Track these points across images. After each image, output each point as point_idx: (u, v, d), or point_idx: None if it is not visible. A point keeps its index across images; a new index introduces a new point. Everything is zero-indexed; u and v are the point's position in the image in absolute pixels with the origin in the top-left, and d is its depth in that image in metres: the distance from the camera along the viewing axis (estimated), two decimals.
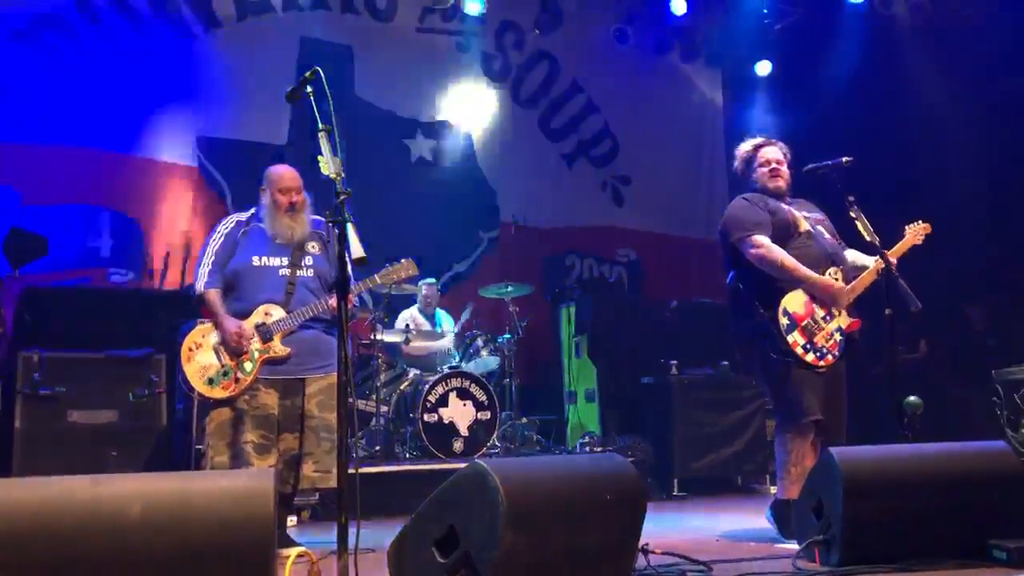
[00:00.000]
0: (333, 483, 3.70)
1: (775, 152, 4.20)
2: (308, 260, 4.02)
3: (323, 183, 2.95)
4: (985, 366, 7.17)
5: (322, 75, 3.00)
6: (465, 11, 8.50)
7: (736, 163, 4.31)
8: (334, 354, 3.81)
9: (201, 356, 3.83)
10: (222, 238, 4.01)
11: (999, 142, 7.24)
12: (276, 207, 3.96)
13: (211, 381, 3.80)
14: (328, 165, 2.88)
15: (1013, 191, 6.98)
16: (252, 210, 4.12)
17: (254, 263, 3.94)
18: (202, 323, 3.95)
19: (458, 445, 6.02)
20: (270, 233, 3.99)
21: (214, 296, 3.90)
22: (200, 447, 3.91)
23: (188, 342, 3.85)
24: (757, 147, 4.22)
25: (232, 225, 4.06)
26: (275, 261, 3.97)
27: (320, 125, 2.93)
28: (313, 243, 4.06)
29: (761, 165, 4.17)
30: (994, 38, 7.29)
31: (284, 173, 4.03)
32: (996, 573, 2.93)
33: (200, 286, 3.91)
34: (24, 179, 6.78)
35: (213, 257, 3.95)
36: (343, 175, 2.86)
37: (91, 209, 7.02)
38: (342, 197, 2.80)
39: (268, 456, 3.79)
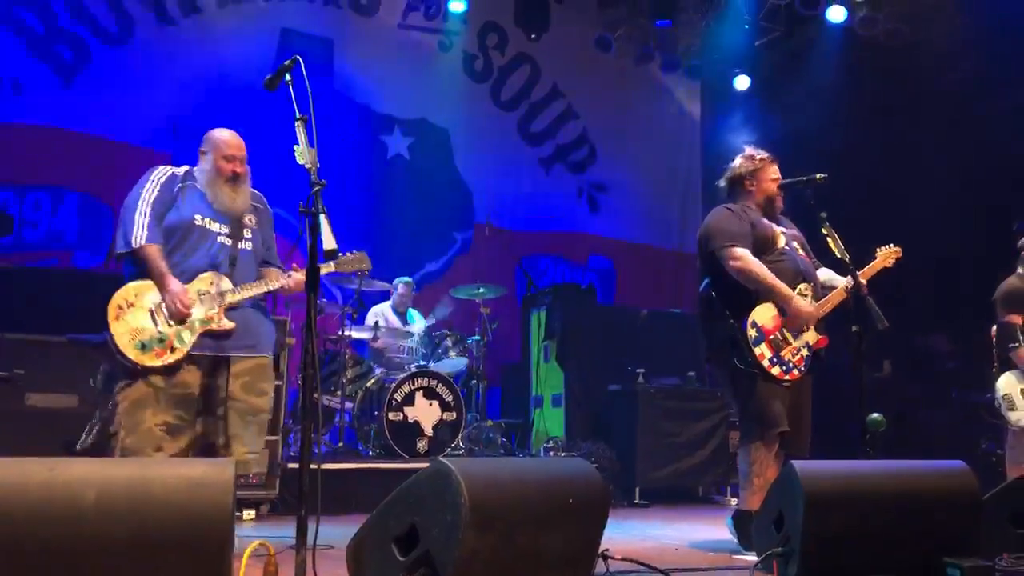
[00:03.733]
0: (262, 468, 3.54)
1: (778, 171, 4.22)
2: (247, 233, 3.72)
3: (298, 172, 2.92)
4: (947, 388, 7.29)
5: (302, 64, 2.97)
6: (448, 9, 8.50)
7: (742, 164, 4.20)
8: (265, 335, 3.68)
9: (133, 317, 3.39)
10: (158, 188, 3.57)
11: (970, 165, 7.34)
12: (218, 174, 3.63)
13: (143, 346, 3.37)
14: (303, 155, 2.84)
15: (982, 214, 7.08)
16: (186, 167, 3.73)
17: (196, 221, 3.57)
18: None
19: (422, 445, 5.99)
20: (210, 200, 3.63)
21: (156, 252, 3.46)
22: (112, 428, 3.46)
23: (117, 299, 3.41)
24: (772, 160, 4.20)
25: (167, 176, 3.63)
26: (216, 226, 3.63)
27: (297, 114, 2.90)
28: (250, 216, 3.76)
29: (773, 180, 4.16)
30: (967, 64, 7.40)
31: (230, 139, 3.68)
32: None
33: (140, 238, 3.44)
34: None
35: (150, 207, 3.50)
36: (318, 166, 2.83)
37: (60, 190, 6.93)
38: (316, 188, 2.77)
39: (181, 438, 3.46)
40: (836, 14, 8.19)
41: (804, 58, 8.65)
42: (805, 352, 3.97)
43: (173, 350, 3.42)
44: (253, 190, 3.81)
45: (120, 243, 3.50)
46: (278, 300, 5.19)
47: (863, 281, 3.99)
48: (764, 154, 4.22)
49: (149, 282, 3.46)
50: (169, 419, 3.43)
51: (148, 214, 3.49)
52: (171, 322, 3.44)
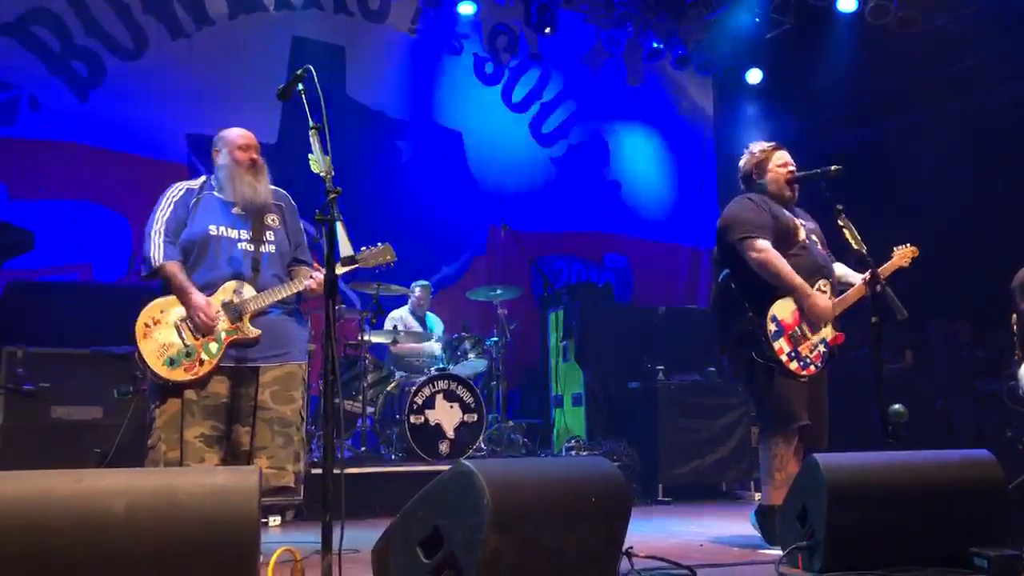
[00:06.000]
0: (288, 481, 3.50)
1: (789, 157, 4.19)
2: (270, 235, 3.69)
3: (313, 181, 2.94)
4: (969, 377, 7.24)
5: (314, 73, 2.98)
6: (459, 12, 8.53)
7: (746, 161, 4.21)
8: (293, 342, 3.66)
9: (160, 333, 3.44)
10: (171, 206, 3.62)
11: (986, 153, 7.29)
12: (237, 165, 3.65)
13: (172, 362, 3.42)
14: (318, 163, 2.86)
15: (999, 202, 7.03)
16: (203, 178, 3.78)
17: (211, 232, 3.58)
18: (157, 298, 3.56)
19: (444, 447, 6.01)
20: (231, 196, 3.65)
21: (176, 268, 3.51)
22: (149, 441, 3.48)
23: (144, 317, 3.45)
24: (775, 148, 4.18)
25: (182, 192, 3.68)
26: (234, 233, 3.62)
27: (311, 123, 2.92)
28: (273, 216, 3.74)
29: (780, 166, 4.13)
30: (983, 50, 7.35)
31: (241, 132, 3.73)
32: None
33: (158, 258, 3.51)
34: (11, 173, 6.75)
35: (164, 226, 3.56)
36: (333, 173, 2.84)
37: (79, 204, 7.00)
38: (332, 195, 2.78)
39: (220, 448, 3.51)
40: (847, 3, 8.16)
41: (816, 49, 8.61)
42: (822, 348, 3.96)
43: (202, 363, 3.46)
44: (275, 187, 3.80)
45: (143, 266, 3.58)
46: None
47: (881, 279, 3.98)
48: (766, 144, 4.21)
49: (173, 298, 3.51)
50: (206, 430, 3.47)
51: (163, 232, 3.55)
52: (197, 335, 3.47)
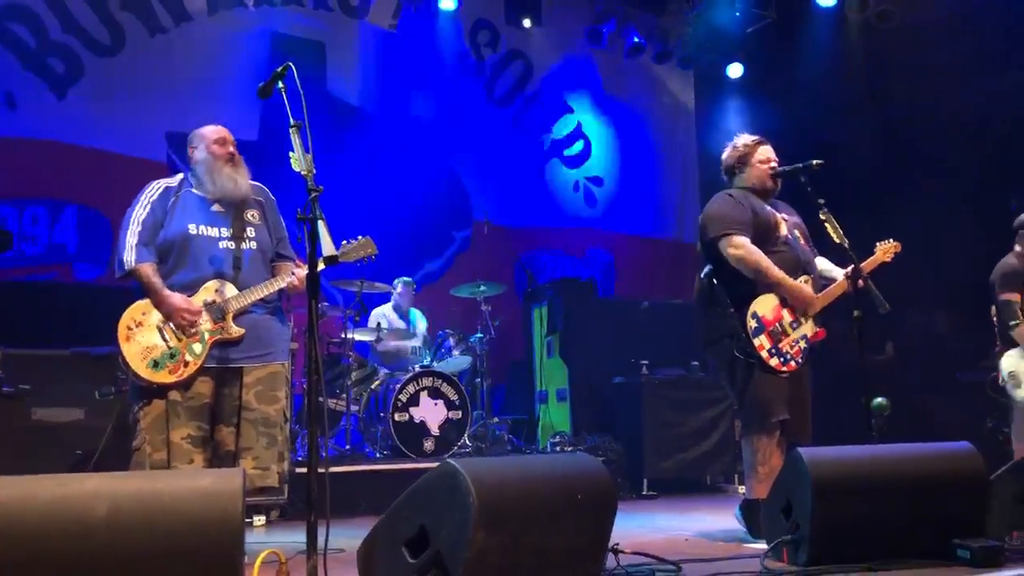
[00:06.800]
0: (272, 481, 3.48)
1: (772, 151, 4.19)
2: (250, 232, 3.65)
3: (294, 180, 2.91)
4: (951, 369, 7.30)
5: (294, 70, 2.96)
6: (439, 7, 8.51)
7: (728, 155, 4.21)
8: (276, 341, 3.64)
9: (143, 336, 3.40)
10: (148, 206, 3.56)
11: (964, 147, 7.34)
12: (215, 159, 3.62)
13: (156, 364, 3.38)
14: (299, 161, 2.84)
15: (978, 195, 7.08)
16: (181, 175, 3.74)
17: (191, 232, 3.54)
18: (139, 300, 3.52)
19: (429, 444, 6.00)
20: (211, 190, 3.61)
21: (150, 270, 3.47)
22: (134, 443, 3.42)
23: (126, 319, 3.41)
24: (758, 143, 4.18)
25: (160, 191, 3.62)
26: (213, 231, 3.58)
27: (291, 121, 2.89)
28: (253, 211, 3.71)
29: (762, 162, 4.12)
30: (960, 44, 7.40)
31: (216, 128, 3.71)
32: (960, 572, 2.97)
33: (130, 260, 3.45)
34: None
35: (140, 227, 3.51)
36: (314, 172, 2.82)
37: (58, 203, 6.92)
38: (313, 194, 2.76)
39: (206, 449, 3.49)
40: None
41: (796, 43, 8.65)
42: (803, 344, 3.97)
43: (186, 364, 3.43)
44: (254, 182, 3.76)
45: (117, 267, 3.52)
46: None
47: (863, 274, 3.99)
48: (750, 139, 4.21)
49: None
50: (192, 431, 3.44)
51: (138, 234, 3.50)
52: (180, 336, 3.44)
